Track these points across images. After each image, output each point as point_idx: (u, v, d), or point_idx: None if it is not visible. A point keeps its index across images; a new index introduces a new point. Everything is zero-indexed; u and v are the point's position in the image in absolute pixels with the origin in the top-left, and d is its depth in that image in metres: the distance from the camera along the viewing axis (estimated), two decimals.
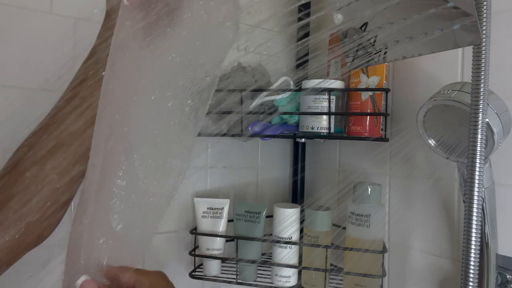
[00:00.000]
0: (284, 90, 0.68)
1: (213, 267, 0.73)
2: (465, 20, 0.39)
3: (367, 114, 0.64)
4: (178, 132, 0.41)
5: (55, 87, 0.62)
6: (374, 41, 0.46)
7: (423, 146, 0.55)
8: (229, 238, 0.74)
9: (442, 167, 0.62)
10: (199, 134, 0.72)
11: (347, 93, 0.67)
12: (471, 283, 0.41)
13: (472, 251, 0.41)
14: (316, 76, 0.75)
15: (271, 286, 0.70)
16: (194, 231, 0.73)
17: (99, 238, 0.38)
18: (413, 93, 0.68)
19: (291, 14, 0.87)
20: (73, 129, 0.40)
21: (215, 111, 0.69)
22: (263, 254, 0.77)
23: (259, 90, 0.69)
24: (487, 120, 0.43)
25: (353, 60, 0.49)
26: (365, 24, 0.46)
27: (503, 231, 0.53)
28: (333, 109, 0.64)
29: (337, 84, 0.65)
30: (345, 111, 0.67)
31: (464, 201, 0.43)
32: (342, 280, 0.69)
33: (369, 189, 0.64)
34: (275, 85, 0.69)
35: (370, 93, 0.64)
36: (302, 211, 0.71)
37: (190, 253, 0.73)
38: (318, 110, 0.64)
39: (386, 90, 0.63)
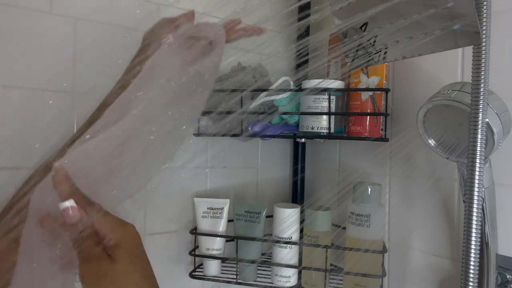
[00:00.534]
0: (284, 90, 0.68)
1: (213, 267, 0.73)
2: (465, 20, 0.39)
3: (367, 114, 0.64)
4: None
5: (55, 87, 0.62)
6: (374, 41, 0.46)
7: (423, 146, 0.55)
8: (229, 238, 0.74)
9: (442, 167, 0.62)
10: (199, 134, 0.72)
11: (347, 93, 0.67)
12: (471, 283, 0.41)
13: (472, 251, 0.41)
14: (316, 76, 0.75)
15: (271, 286, 0.70)
16: (194, 231, 0.73)
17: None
18: (413, 93, 0.68)
19: (291, 14, 0.87)
20: None
21: (215, 111, 0.69)
22: (263, 254, 0.77)
23: (259, 90, 0.69)
24: (487, 120, 0.43)
25: (353, 60, 0.49)
26: (365, 24, 0.46)
27: (503, 231, 0.53)
28: (333, 109, 0.64)
29: (337, 84, 0.65)
30: (345, 111, 0.67)
31: (464, 201, 0.43)
32: (342, 280, 0.69)
33: (369, 189, 0.64)
34: (275, 85, 0.69)
35: (370, 93, 0.64)
36: (302, 211, 0.71)
37: (190, 253, 0.73)
38: (318, 110, 0.64)
39: (386, 90, 0.63)
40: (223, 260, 0.73)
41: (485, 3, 0.39)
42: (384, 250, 0.64)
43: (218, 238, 0.72)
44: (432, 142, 0.54)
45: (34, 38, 0.60)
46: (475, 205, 0.42)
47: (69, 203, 0.35)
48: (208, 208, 0.74)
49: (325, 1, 0.48)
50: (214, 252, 0.72)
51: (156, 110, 0.43)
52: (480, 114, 0.41)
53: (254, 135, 0.69)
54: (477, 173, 0.41)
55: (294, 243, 0.69)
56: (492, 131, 0.45)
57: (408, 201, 0.69)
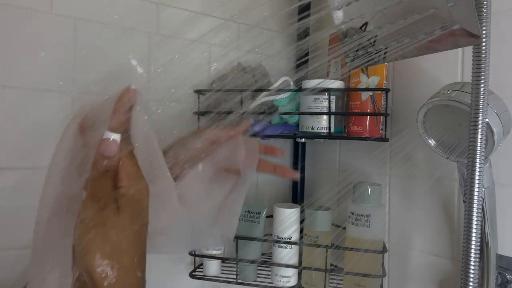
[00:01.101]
0: (284, 90, 0.68)
1: (213, 267, 0.73)
2: (465, 20, 0.39)
3: (367, 114, 0.64)
4: None
5: (55, 87, 0.62)
6: (374, 41, 0.46)
7: (423, 146, 0.55)
8: None
9: (442, 167, 0.62)
10: None
11: (347, 93, 0.67)
12: (471, 283, 0.41)
13: (472, 251, 0.41)
14: (316, 76, 0.75)
15: (271, 286, 0.70)
16: None
17: None
18: (413, 93, 0.68)
19: (291, 14, 0.87)
20: None
21: (215, 111, 0.69)
22: (263, 254, 0.77)
23: (259, 90, 0.69)
24: (487, 120, 0.43)
25: (353, 60, 0.49)
26: (365, 24, 0.46)
27: (503, 231, 0.53)
28: (333, 109, 0.64)
29: (337, 84, 0.65)
30: (345, 111, 0.67)
31: (464, 201, 0.43)
32: (342, 280, 0.69)
33: (369, 189, 0.64)
34: (275, 85, 0.69)
35: (370, 93, 0.64)
36: (302, 211, 0.71)
37: (190, 253, 0.73)
38: (318, 110, 0.64)
39: (386, 90, 0.63)
40: (223, 260, 0.73)
41: (485, 3, 0.39)
42: (384, 250, 0.64)
43: None
44: (432, 142, 0.54)
45: (34, 38, 0.60)
46: (475, 205, 0.41)
47: (114, 136, 0.34)
48: None
49: (325, 1, 0.48)
50: (214, 252, 0.72)
51: None
52: (480, 114, 0.41)
53: (254, 135, 0.69)
54: (477, 173, 0.41)
55: (294, 243, 0.69)
56: (492, 131, 0.45)
57: (408, 201, 0.69)
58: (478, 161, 0.41)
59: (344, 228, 0.69)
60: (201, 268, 0.75)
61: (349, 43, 0.48)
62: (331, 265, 0.76)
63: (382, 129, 0.64)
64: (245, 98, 0.69)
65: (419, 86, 0.67)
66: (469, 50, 0.41)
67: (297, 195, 0.88)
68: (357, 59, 0.49)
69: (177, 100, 0.74)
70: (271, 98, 0.68)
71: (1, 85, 0.58)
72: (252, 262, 0.71)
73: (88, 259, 0.32)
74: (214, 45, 0.78)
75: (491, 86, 0.42)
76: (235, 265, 0.72)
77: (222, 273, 0.75)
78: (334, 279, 0.71)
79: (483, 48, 0.40)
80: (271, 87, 0.69)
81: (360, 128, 0.65)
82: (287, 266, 0.69)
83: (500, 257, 0.54)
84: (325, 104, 0.64)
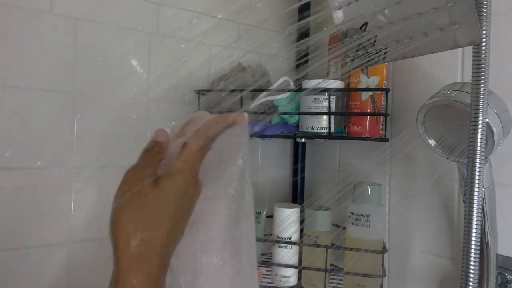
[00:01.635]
0: (284, 90, 0.68)
1: None
2: (465, 20, 0.39)
3: (367, 114, 0.64)
4: None
5: (55, 87, 0.62)
6: (374, 41, 0.46)
7: (423, 146, 0.55)
8: None
9: (442, 167, 0.62)
10: None
11: (347, 93, 0.67)
12: (471, 283, 0.41)
13: (472, 251, 0.41)
14: (316, 76, 0.75)
15: (271, 286, 0.70)
16: None
17: None
18: (413, 93, 0.68)
19: (291, 14, 0.87)
20: None
21: (215, 111, 0.69)
22: (263, 254, 0.77)
23: (259, 90, 0.69)
24: (487, 120, 0.43)
25: (353, 60, 0.49)
26: (365, 24, 0.46)
27: (503, 231, 0.53)
28: (333, 109, 0.64)
29: (337, 84, 0.65)
30: (345, 111, 0.67)
31: (464, 201, 0.43)
32: (342, 280, 0.69)
33: (369, 189, 0.64)
34: (275, 85, 0.69)
35: (370, 93, 0.64)
36: (302, 211, 0.71)
37: None
38: (318, 110, 0.64)
39: (386, 90, 0.63)
40: None
41: (485, 3, 0.39)
42: (384, 250, 0.64)
43: None
44: (432, 142, 0.54)
45: (34, 38, 0.60)
46: (475, 205, 0.41)
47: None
48: None
49: (325, 1, 0.48)
50: None
51: None
52: (480, 114, 0.41)
53: (254, 135, 0.69)
54: (477, 173, 0.41)
55: (294, 243, 0.69)
56: (492, 131, 0.45)
57: (408, 201, 0.69)
58: (478, 161, 0.41)
59: (344, 228, 0.69)
60: None
61: (349, 43, 0.48)
62: (331, 265, 0.76)
63: (382, 129, 0.64)
64: (245, 98, 0.69)
65: (419, 86, 0.67)
66: (469, 50, 0.41)
67: (297, 195, 0.88)
68: (357, 59, 0.49)
69: (177, 100, 0.74)
70: (271, 98, 0.68)
71: (1, 85, 0.58)
72: None
73: (114, 220, 0.33)
74: (214, 45, 0.78)
75: (491, 86, 0.42)
76: None
77: None
78: (334, 279, 0.71)
79: (483, 48, 0.40)
80: (271, 87, 0.69)
81: (360, 128, 0.65)
82: (287, 266, 0.69)
83: (500, 257, 0.54)
84: (325, 104, 0.64)
